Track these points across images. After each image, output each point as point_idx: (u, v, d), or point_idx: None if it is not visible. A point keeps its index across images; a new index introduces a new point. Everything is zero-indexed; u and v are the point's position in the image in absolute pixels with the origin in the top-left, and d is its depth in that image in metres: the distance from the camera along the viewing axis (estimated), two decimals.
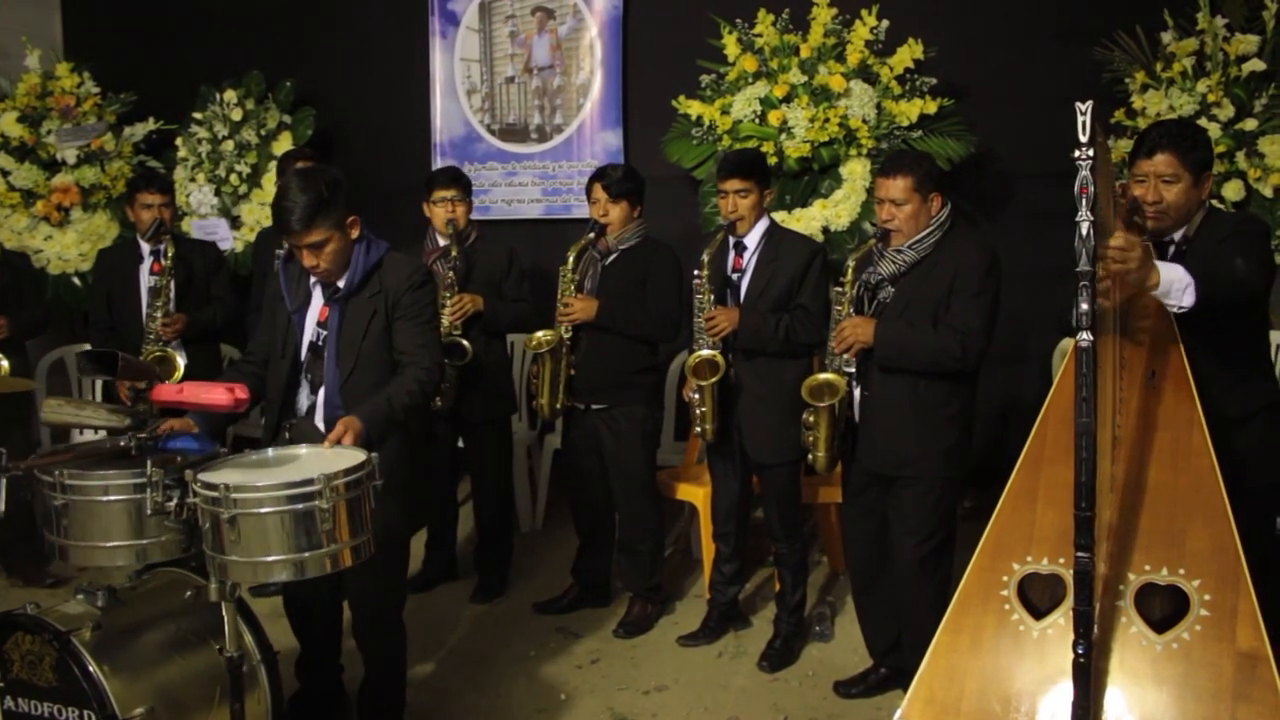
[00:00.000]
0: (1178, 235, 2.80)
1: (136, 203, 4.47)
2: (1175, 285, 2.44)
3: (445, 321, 4.04)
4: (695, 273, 3.58)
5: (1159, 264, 2.45)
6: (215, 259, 4.71)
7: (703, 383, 3.56)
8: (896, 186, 3.14)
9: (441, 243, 4.15)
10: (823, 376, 3.27)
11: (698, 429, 3.65)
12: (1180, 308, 2.48)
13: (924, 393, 3.17)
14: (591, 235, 3.89)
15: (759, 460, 3.71)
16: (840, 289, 3.25)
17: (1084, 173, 2.22)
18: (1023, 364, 4.54)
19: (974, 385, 3.26)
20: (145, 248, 4.47)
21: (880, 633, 3.46)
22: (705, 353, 3.56)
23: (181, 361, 4.37)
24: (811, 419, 3.29)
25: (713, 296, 3.59)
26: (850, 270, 3.25)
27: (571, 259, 3.91)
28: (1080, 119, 2.22)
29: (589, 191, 3.96)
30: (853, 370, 3.24)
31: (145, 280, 4.44)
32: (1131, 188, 2.80)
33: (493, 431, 4.32)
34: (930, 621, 2.63)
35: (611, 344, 3.91)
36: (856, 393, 3.31)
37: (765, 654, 3.72)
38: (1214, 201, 3.65)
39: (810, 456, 3.36)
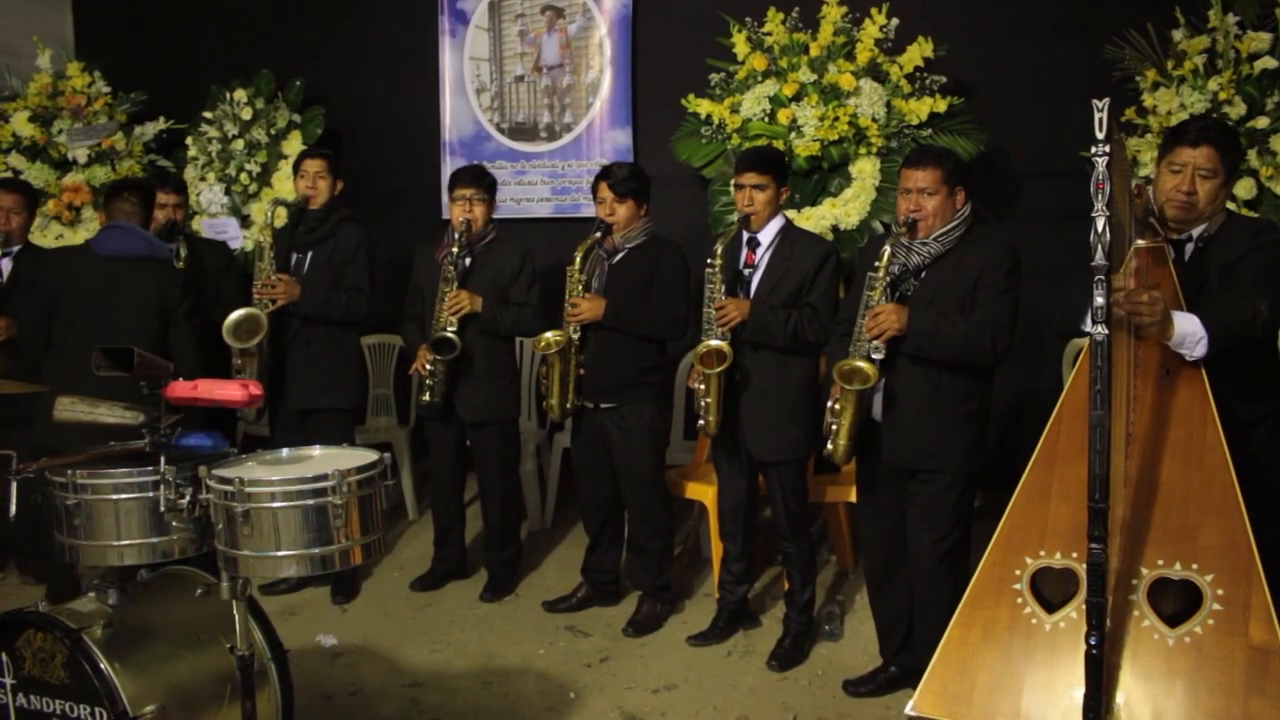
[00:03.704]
0: (1197, 231, 2.81)
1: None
2: (1189, 339, 2.57)
3: (441, 317, 4.05)
4: (709, 261, 3.57)
5: (1175, 315, 2.55)
6: (226, 258, 4.70)
7: (709, 370, 3.55)
8: (926, 176, 3.13)
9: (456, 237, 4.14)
10: (858, 362, 3.13)
11: (700, 421, 3.64)
12: (1192, 357, 2.59)
13: (947, 386, 3.16)
14: (598, 234, 3.89)
15: (761, 458, 3.70)
16: (875, 274, 3.14)
17: (1101, 168, 2.23)
18: (1034, 363, 4.53)
19: (991, 383, 3.25)
20: None
21: (891, 631, 3.46)
22: (714, 343, 3.54)
23: None
24: (837, 406, 3.18)
25: (724, 288, 3.59)
26: (886, 256, 3.13)
27: (578, 259, 3.89)
28: (1097, 115, 2.23)
29: (595, 190, 3.95)
30: (881, 357, 3.14)
31: None
32: (1163, 176, 2.81)
33: (495, 431, 4.30)
34: (945, 620, 2.62)
35: (620, 343, 3.90)
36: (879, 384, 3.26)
37: (774, 653, 3.71)
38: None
39: (829, 445, 3.24)
